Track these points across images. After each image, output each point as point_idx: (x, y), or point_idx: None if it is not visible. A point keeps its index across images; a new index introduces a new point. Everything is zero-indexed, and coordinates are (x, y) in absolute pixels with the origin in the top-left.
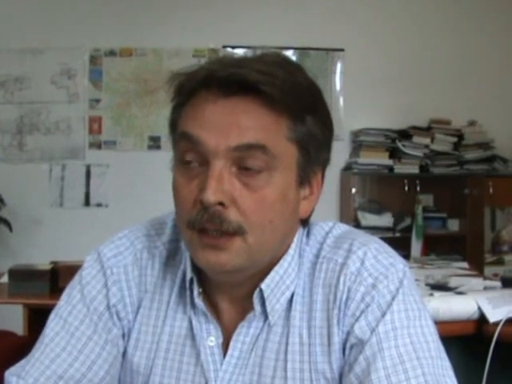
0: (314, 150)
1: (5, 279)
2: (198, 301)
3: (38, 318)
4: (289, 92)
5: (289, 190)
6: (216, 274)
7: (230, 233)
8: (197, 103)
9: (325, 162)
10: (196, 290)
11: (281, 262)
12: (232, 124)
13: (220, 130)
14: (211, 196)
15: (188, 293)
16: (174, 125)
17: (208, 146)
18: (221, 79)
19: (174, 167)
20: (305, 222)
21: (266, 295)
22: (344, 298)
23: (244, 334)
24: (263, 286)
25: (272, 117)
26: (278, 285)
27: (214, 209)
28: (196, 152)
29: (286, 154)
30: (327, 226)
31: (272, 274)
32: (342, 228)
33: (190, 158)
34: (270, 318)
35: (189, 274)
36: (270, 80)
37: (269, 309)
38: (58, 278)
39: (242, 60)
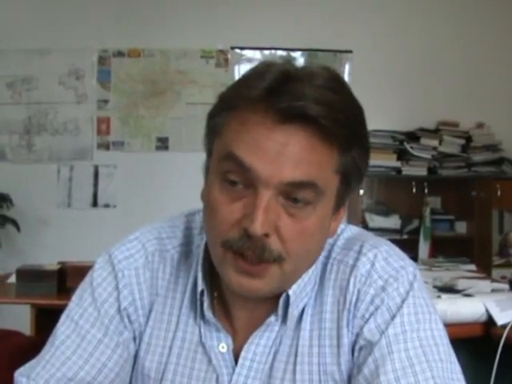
0: (354, 181)
1: (12, 279)
2: (208, 313)
3: (45, 318)
4: (344, 124)
5: (326, 218)
6: (244, 295)
7: (270, 261)
8: (249, 124)
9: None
10: (206, 303)
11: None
12: (287, 157)
13: (274, 162)
14: (259, 228)
15: (198, 303)
16: (215, 129)
17: (260, 177)
18: (280, 110)
19: (211, 178)
20: None
21: (291, 301)
22: (354, 299)
23: (259, 337)
24: (291, 292)
25: (326, 149)
26: (301, 291)
27: (258, 238)
28: (243, 176)
29: (331, 187)
30: (339, 228)
31: (299, 280)
32: (353, 230)
33: (235, 179)
34: (288, 323)
35: (200, 286)
36: (330, 113)
37: (290, 314)
38: (65, 278)
39: (298, 83)
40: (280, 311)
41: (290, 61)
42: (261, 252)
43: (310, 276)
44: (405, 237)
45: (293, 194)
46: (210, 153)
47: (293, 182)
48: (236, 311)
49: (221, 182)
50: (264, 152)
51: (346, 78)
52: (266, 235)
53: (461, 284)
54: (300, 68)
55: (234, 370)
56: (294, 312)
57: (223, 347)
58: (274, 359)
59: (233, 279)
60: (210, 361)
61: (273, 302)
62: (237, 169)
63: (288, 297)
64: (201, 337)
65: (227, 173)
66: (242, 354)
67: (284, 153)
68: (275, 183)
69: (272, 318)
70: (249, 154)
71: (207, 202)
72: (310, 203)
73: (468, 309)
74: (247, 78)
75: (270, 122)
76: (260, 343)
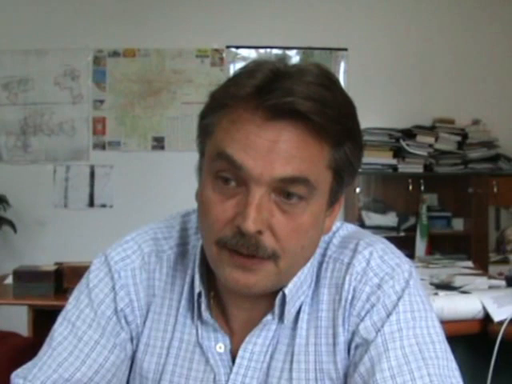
0: (347, 176)
1: (9, 280)
2: (206, 314)
3: (42, 319)
4: (335, 120)
5: (320, 214)
6: (240, 292)
7: (264, 258)
8: (239, 122)
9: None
10: (204, 304)
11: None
12: (278, 153)
13: (265, 159)
14: (251, 226)
15: (196, 304)
16: (207, 129)
17: (251, 174)
18: (270, 106)
19: (204, 178)
20: None
21: (288, 299)
22: (349, 297)
23: (256, 336)
24: (287, 290)
25: (317, 145)
26: (297, 289)
27: (251, 236)
28: (235, 174)
29: (324, 183)
30: (335, 226)
31: (295, 279)
32: (349, 228)
33: (227, 177)
34: (285, 321)
35: (197, 288)
36: (320, 109)
37: (286, 312)
38: (62, 278)
39: (288, 80)
40: (277, 310)
41: (281, 59)
42: (255, 249)
43: (306, 274)
44: (402, 234)
45: (285, 190)
46: (202, 153)
47: (284, 178)
48: (233, 311)
49: (213, 181)
50: (254, 149)
51: (342, 75)
52: (259, 232)
53: (458, 281)
54: (290, 66)
55: (231, 370)
56: (290, 311)
57: (220, 347)
58: (271, 358)
59: (228, 275)
60: (207, 361)
61: (269, 301)
62: (228, 167)
63: (284, 295)
64: (198, 337)
65: (219, 172)
66: (240, 353)
67: (274, 149)
68: (267, 180)
69: (269, 317)
70: (239, 151)
71: (201, 201)
72: (302, 199)
73: (465, 306)
74: (238, 76)
75: (259, 119)
76: (257, 342)
